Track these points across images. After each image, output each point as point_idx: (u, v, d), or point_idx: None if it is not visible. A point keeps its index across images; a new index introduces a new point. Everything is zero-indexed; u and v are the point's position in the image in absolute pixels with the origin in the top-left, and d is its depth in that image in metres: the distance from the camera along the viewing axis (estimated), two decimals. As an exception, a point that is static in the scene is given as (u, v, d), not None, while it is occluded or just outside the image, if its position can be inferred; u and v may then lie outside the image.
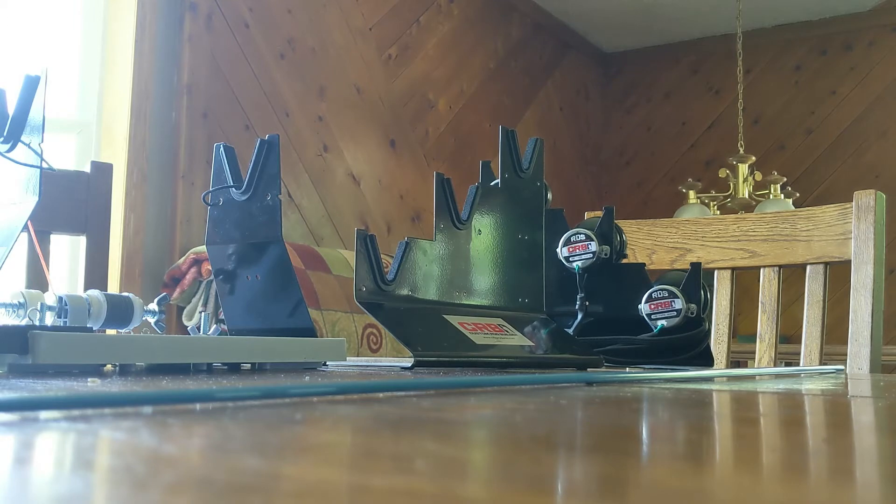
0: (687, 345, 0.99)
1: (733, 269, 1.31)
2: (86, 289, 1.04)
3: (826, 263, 1.23)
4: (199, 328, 0.74)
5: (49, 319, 0.64)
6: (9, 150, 0.67)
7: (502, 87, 3.82)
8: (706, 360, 1.00)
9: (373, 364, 0.86)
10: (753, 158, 3.39)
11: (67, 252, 2.18)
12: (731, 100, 4.16)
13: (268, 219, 0.79)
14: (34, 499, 0.15)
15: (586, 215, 1.21)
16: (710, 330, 1.24)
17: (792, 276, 1.36)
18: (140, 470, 0.18)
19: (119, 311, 0.69)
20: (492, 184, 0.98)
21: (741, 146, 3.53)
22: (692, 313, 0.97)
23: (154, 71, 2.39)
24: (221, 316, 1.72)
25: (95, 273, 1.19)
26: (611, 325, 1.03)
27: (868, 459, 0.24)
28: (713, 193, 3.47)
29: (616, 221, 1.05)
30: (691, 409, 0.40)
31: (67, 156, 2.33)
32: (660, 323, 0.98)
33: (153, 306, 0.74)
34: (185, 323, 2.17)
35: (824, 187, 4.02)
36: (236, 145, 0.86)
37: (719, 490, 0.18)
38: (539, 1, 3.99)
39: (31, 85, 0.67)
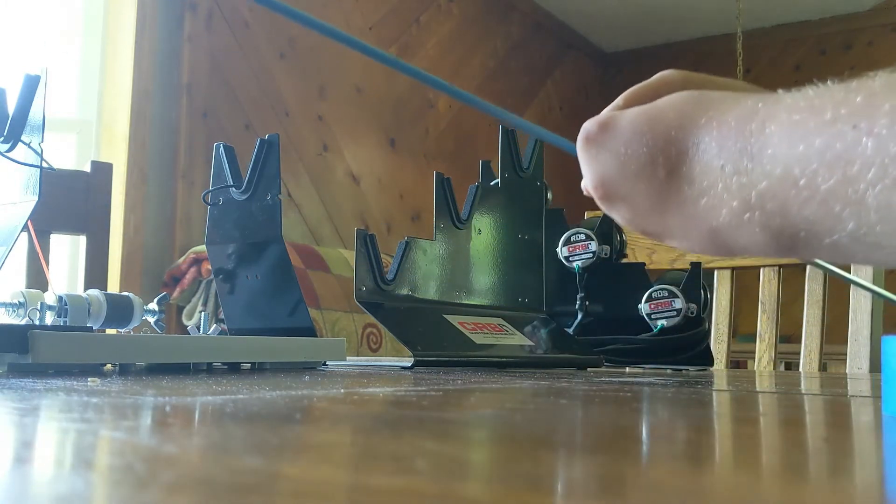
0: (687, 344, 0.99)
1: (733, 268, 1.31)
2: (86, 288, 1.04)
3: (826, 263, 1.23)
4: (198, 328, 0.74)
5: (49, 319, 0.64)
6: (9, 150, 0.67)
7: (502, 86, 3.82)
8: (706, 360, 1.00)
9: (373, 363, 0.86)
10: (753, 158, 3.39)
11: (67, 252, 2.18)
12: (731, 99, 4.16)
13: (267, 218, 0.79)
14: (34, 498, 0.15)
15: (586, 215, 1.21)
16: (709, 329, 1.24)
17: (792, 275, 1.36)
18: (140, 469, 0.18)
19: (119, 311, 0.69)
20: (492, 183, 0.98)
21: (741, 146, 3.52)
22: (692, 313, 0.97)
23: (154, 70, 2.39)
24: (221, 315, 1.72)
25: (95, 273, 1.19)
26: (611, 324, 1.03)
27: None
28: (713, 193, 3.46)
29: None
30: (693, 409, 0.40)
31: (67, 156, 2.33)
32: (660, 322, 0.98)
33: (153, 306, 0.74)
34: (185, 322, 2.17)
35: (824, 187, 4.02)
36: (236, 145, 0.86)
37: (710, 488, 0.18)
38: (539, 0, 3.99)
39: (31, 84, 0.67)
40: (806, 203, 0.35)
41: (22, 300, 0.64)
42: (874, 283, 1.17)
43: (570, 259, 1.04)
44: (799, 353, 1.23)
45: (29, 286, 1.06)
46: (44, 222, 1.12)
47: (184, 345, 0.61)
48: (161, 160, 2.40)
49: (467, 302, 0.92)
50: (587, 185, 0.47)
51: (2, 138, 0.67)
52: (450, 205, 0.92)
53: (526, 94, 3.99)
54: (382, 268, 0.84)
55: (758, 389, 0.53)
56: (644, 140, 0.43)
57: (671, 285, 0.98)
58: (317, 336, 0.76)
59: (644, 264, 1.09)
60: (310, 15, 0.49)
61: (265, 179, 0.80)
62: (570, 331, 1.02)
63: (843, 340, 1.18)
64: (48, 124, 0.67)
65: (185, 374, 0.56)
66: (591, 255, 1.02)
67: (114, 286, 2.22)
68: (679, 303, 0.97)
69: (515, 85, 3.91)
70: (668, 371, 0.92)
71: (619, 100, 0.51)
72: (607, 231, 1.04)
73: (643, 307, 0.99)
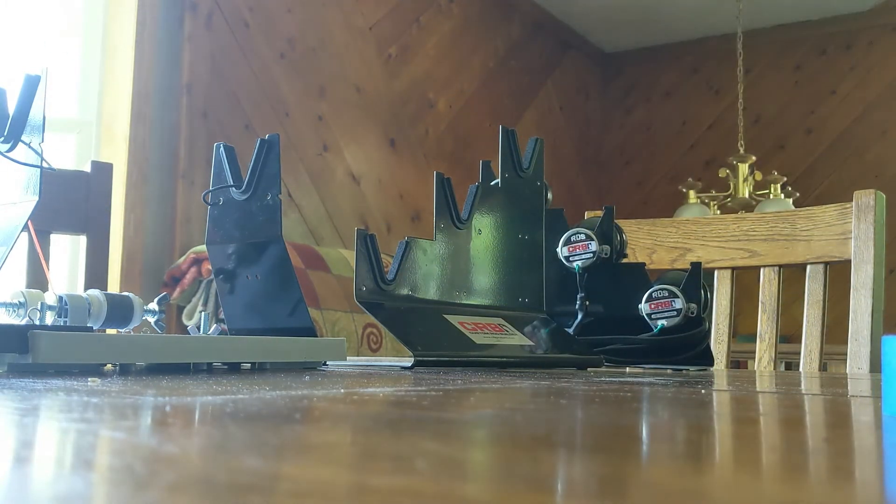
0: (687, 344, 0.99)
1: (733, 268, 1.31)
2: (86, 288, 1.04)
3: (826, 263, 1.23)
4: (199, 328, 0.74)
5: (49, 319, 0.64)
6: (9, 150, 0.67)
7: (502, 86, 3.82)
8: (706, 360, 0.99)
9: (373, 364, 0.86)
10: (753, 158, 3.39)
11: (67, 252, 2.18)
12: (731, 100, 4.16)
13: (268, 218, 0.79)
14: (34, 498, 0.15)
15: (586, 215, 1.21)
16: (710, 330, 1.24)
17: (792, 275, 1.36)
18: (140, 469, 0.18)
19: (119, 311, 0.69)
20: (492, 183, 0.98)
21: (741, 146, 3.53)
22: (692, 313, 0.97)
23: (154, 71, 2.39)
24: (221, 315, 1.72)
25: (95, 273, 1.19)
26: (611, 324, 1.03)
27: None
28: (713, 193, 3.47)
29: (616, 221, 1.05)
30: (693, 409, 0.40)
31: (67, 156, 2.33)
32: (660, 323, 0.98)
33: (153, 306, 0.74)
34: (185, 322, 2.17)
35: (824, 187, 4.02)
36: (236, 145, 0.86)
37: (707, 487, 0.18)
38: (539, 1, 3.99)
39: (31, 84, 0.67)
40: None
41: (22, 300, 0.64)
42: (874, 282, 1.17)
43: (570, 259, 1.04)
44: (799, 353, 1.23)
45: (29, 286, 1.06)
46: (44, 222, 1.12)
47: (184, 345, 0.61)
48: (161, 160, 2.40)
49: (467, 302, 0.92)
50: None
51: (2, 138, 0.67)
52: (450, 205, 0.92)
53: (526, 94, 3.99)
54: (382, 268, 0.84)
55: (758, 389, 0.53)
56: None
57: (671, 285, 0.98)
58: (317, 336, 0.76)
59: (644, 264, 1.09)
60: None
61: (265, 179, 0.80)
62: (570, 331, 1.02)
63: (844, 340, 1.18)
64: (48, 124, 0.67)
65: (185, 374, 0.56)
66: (591, 255, 1.02)
67: (114, 286, 2.22)
68: (679, 303, 0.97)
69: (515, 85, 3.91)
70: (669, 371, 0.92)
71: None
72: (607, 231, 1.04)
73: (643, 307, 0.99)
